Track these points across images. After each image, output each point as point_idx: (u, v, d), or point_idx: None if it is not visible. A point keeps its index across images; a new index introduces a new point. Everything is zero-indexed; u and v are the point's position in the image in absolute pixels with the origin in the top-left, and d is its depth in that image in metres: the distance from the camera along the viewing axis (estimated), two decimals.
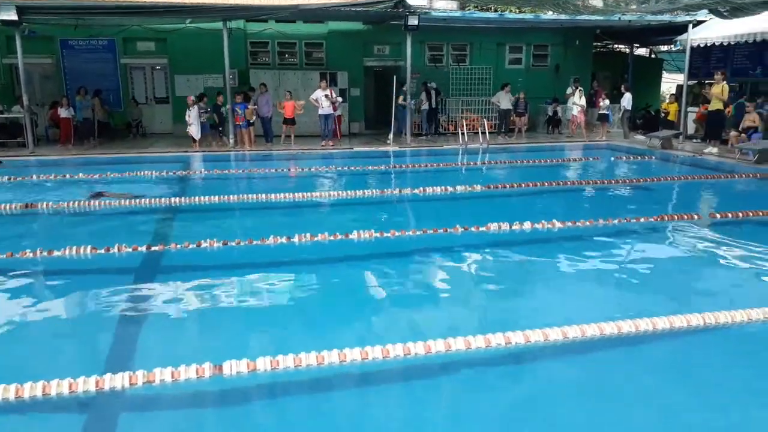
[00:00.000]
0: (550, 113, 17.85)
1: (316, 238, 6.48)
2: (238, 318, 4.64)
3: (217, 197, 8.70)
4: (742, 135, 13.14)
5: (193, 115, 14.14)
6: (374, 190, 9.43)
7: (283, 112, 14.87)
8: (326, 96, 14.58)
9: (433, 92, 16.57)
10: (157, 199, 8.56)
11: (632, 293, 5.22)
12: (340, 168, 11.75)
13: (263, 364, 3.64)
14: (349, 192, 9.16)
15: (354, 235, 6.59)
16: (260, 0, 13.47)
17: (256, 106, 14.74)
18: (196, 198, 8.72)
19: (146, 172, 10.85)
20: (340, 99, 15.39)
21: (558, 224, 7.07)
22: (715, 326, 4.27)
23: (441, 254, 6.27)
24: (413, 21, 13.98)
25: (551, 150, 15.15)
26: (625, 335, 4.13)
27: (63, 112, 14.47)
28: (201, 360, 3.64)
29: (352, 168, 11.92)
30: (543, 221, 7.07)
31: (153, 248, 6.22)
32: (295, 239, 6.44)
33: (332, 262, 6.07)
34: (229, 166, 12.47)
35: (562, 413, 3.36)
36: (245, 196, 8.84)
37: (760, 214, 7.67)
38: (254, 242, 6.40)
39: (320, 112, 14.79)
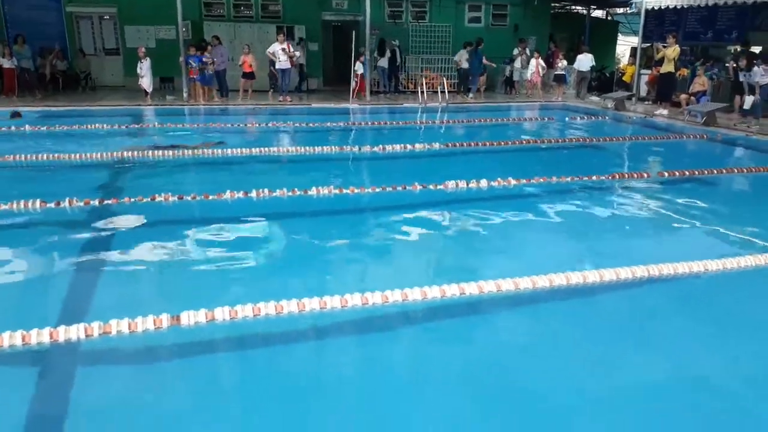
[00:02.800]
0: (508, 74, 17.92)
1: (274, 194, 6.46)
2: (195, 270, 4.62)
3: (172, 152, 8.52)
4: (692, 98, 13.53)
5: (144, 68, 13.69)
6: (333, 147, 9.37)
7: (242, 66, 14.51)
8: (283, 50, 14.26)
9: (397, 50, 16.44)
10: (108, 153, 8.33)
11: (582, 247, 5.41)
12: (297, 124, 11.59)
13: (222, 314, 3.66)
14: (307, 148, 9.08)
15: (313, 191, 6.58)
16: None
17: (214, 60, 14.33)
18: (149, 152, 8.50)
19: (97, 125, 10.51)
20: (297, 53, 15.08)
21: (513, 182, 7.21)
22: (659, 278, 4.49)
23: (399, 211, 6.32)
24: None
25: (508, 110, 15.30)
26: (573, 286, 4.31)
27: (5, 63, 13.77)
28: (158, 311, 3.64)
29: (311, 124, 11.79)
30: (499, 179, 7.19)
31: (106, 202, 6.09)
32: (253, 194, 6.39)
33: (291, 217, 6.06)
34: (183, 120, 12.15)
35: (514, 362, 3.51)
36: (202, 151, 8.66)
37: (705, 172, 8.00)
38: (210, 197, 6.32)
39: (277, 66, 14.49)
